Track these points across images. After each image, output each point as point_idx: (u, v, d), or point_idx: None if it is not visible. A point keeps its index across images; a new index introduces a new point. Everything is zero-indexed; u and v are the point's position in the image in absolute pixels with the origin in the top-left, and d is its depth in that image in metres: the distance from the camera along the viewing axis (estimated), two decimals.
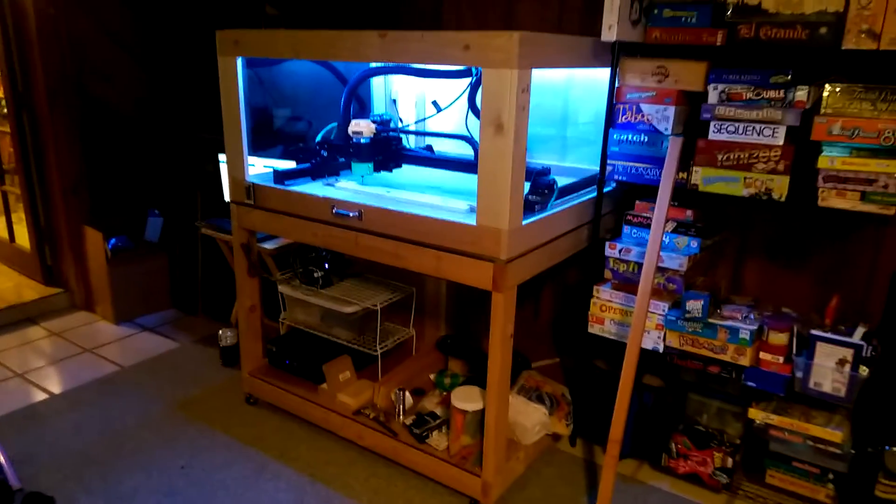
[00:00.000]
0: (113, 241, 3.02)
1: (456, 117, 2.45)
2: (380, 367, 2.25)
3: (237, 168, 2.15)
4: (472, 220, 1.66)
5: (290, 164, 2.40)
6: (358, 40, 1.72)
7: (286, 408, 2.28)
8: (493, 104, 1.54)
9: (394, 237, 1.82)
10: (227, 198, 2.57)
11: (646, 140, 1.85)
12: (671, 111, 1.80)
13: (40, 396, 2.47)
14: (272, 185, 2.09)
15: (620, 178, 1.91)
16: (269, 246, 2.49)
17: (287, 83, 2.81)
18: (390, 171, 2.25)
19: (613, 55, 1.84)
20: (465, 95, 2.16)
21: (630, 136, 1.87)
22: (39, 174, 3.15)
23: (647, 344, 1.89)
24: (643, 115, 1.85)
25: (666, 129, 1.82)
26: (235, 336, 2.66)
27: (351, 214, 1.88)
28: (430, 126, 2.57)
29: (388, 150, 2.22)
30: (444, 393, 2.18)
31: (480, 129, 1.57)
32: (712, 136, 1.74)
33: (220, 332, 2.69)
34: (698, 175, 1.78)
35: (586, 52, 1.80)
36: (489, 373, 1.73)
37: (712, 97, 1.74)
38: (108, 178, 3.18)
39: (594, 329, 2.02)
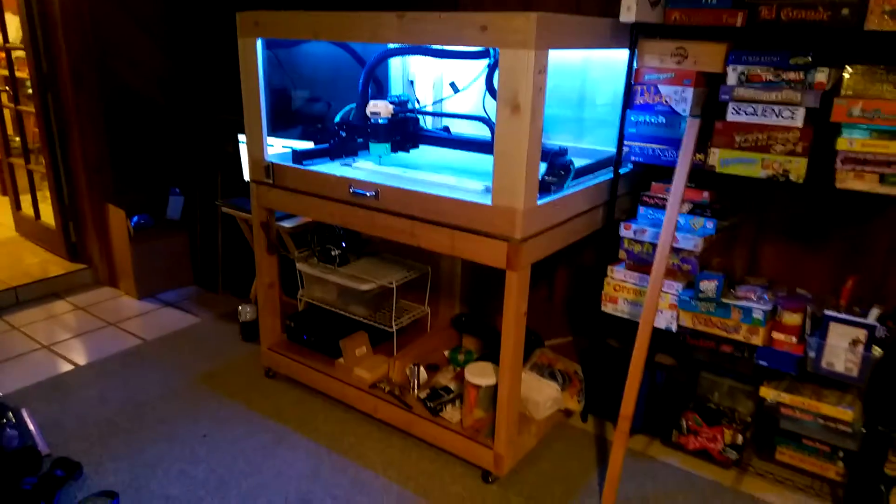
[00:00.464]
0: (135, 218, 3.09)
1: (474, 99, 2.46)
2: (395, 343, 2.29)
3: (257, 148, 2.18)
4: (487, 200, 1.69)
5: (308, 145, 2.44)
6: (376, 21, 1.74)
7: (304, 381, 2.33)
8: (509, 85, 1.55)
9: (409, 216, 1.85)
10: (246, 177, 2.61)
11: (663, 121, 1.85)
12: (689, 92, 1.80)
13: (66, 367, 2.55)
14: (291, 164, 2.12)
15: (637, 159, 1.92)
16: (287, 224, 2.53)
17: (306, 64, 2.83)
18: (407, 151, 2.27)
19: (632, 36, 1.84)
20: (483, 77, 2.17)
21: (647, 118, 1.87)
22: (63, 153, 3.22)
23: (661, 323, 1.91)
24: (661, 97, 1.85)
25: (684, 111, 1.82)
26: (255, 312, 2.72)
27: (368, 194, 1.91)
28: (448, 107, 2.58)
29: (405, 131, 2.24)
30: (458, 369, 2.22)
31: (497, 109, 1.59)
32: (730, 117, 1.74)
33: (240, 307, 2.75)
34: (716, 156, 1.78)
35: (604, 33, 1.80)
36: (502, 349, 1.76)
37: (731, 78, 1.73)
38: (130, 158, 3.24)
39: (607, 308, 2.04)
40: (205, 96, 3.23)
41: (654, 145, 1.88)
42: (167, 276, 3.27)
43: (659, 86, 1.85)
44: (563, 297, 2.58)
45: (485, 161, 2.21)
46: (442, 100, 2.56)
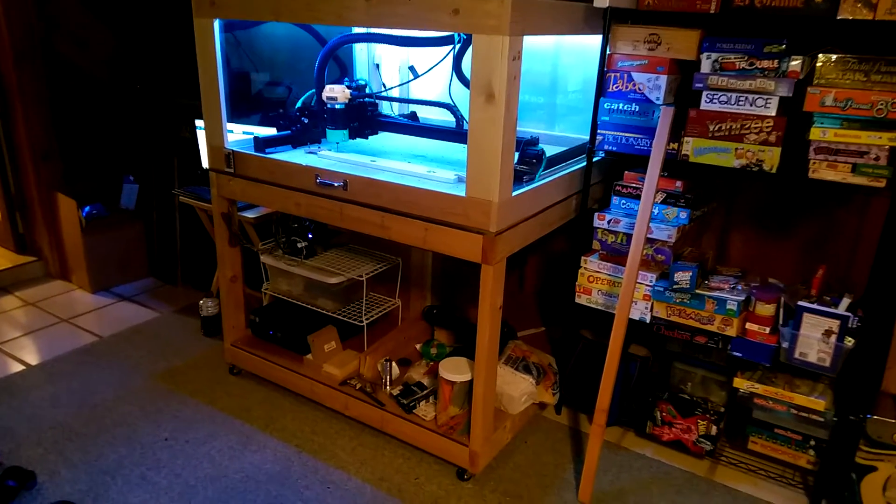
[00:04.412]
0: (87, 208, 2.94)
1: (442, 83, 2.40)
2: (366, 337, 2.23)
3: (216, 135, 2.08)
4: (460, 191, 1.63)
5: (270, 132, 2.34)
6: (342, 3, 1.66)
7: (271, 378, 2.26)
8: (483, 72, 1.49)
9: (380, 208, 1.78)
10: (205, 164, 2.50)
11: (637, 109, 1.82)
12: (663, 80, 1.77)
13: (16, 368, 2.41)
14: (253, 152, 2.03)
15: (611, 148, 1.88)
16: (250, 215, 2.44)
17: (267, 46, 2.72)
18: (366, 137, 2.19)
19: (605, 21, 1.79)
20: (450, 62, 2.11)
21: (621, 106, 1.84)
22: (8, 140, 3.03)
23: (634, 314, 1.89)
24: (634, 84, 1.81)
25: (658, 99, 1.79)
26: (217, 306, 2.62)
27: (336, 184, 1.83)
28: (414, 92, 2.51)
29: (363, 117, 2.16)
30: (431, 363, 2.17)
31: (470, 97, 1.53)
32: (704, 105, 1.71)
33: (201, 301, 2.64)
34: (689, 146, 1.76)
35: (578, 18, 1.75)
36: (478, 345, 1.72)
37: (705, 66, 1.70)
38: (80, 144, 3.08)
39: (581, 300, 2.01)
40: (159, 79, 3.07)
41: (627, 134, 1.85)
42: (122, 269, 3.13)
43: (632, 73, 1.81)
44: (534, 287, 2.55)
45: (455, 149, 2.16)
46: (400, 85, 2.48)
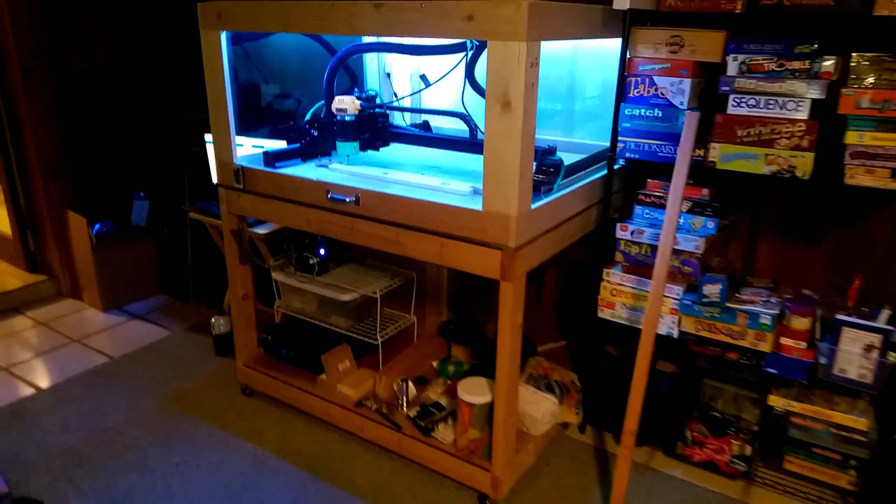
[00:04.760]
0: (97, 226, 2.90)
1: (455, 92, 2.33)
2: (381, 356, 2.16)
3: (224, 150, 2.02)
4: (477, 205, 1.56)
5: (280, 145, 2.29)
6: (351, 11, 1.59)
7: (284, 399, 2.19)
8: (499, 80, 1.42)
9: (393, 223, 1.72)
10: (215, 179, 2.45)
11: (660, 115, 1.74)
12: (687, 84, 1.69)
13: (27, 392, 2.37)
14: (262, 168, 1.97)
15: (633, 155, 1.80)
16: (261, 231, 2.38)
17: (277, 57, 2.67)
18: (377, 149, 2.12)
19: (625, 24, 1.72)
20: (463, 68, 2.04)
21: (643, 111, 1.76)
22: (18, 157, 3.01)
23: (661, 329, 1.81)
24: (657, 89, 1.74)
25: (682, 104, 1.71)
26: (229, 324, 2.57)
27: (347, 199, 1.77)
28: (426, 101, 2.45)
29: (374, 128, 2.10)
30: (449, 381, 2.10)
31: (486, 106, 1.46)
32: (731, 110, 1.64)
33: (213, 319, 2.59)
34: (716, 152, 1.68)
35: (596, 21, 1.68)
36: (498, 366, 1.65)
37: (731, 68, 1.63)
38: (90, 160, 3.05)
39: (604, 314, 1.93)
40: (168, 92, 3.04)
41: (650, 140, 1.77)
42: (134, 286, 3.09)
43: (654, 77, 1.74)
44: (552, 298, 2.47)
45: (466, 159, 2.09)
46: (412, 94, 2.42)
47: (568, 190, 1.74)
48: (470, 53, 1.91)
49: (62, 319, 2.94)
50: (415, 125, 2.43)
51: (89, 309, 3.05)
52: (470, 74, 2.02)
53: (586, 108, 2.14)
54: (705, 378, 1.96)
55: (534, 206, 1.58)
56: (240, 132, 2.10)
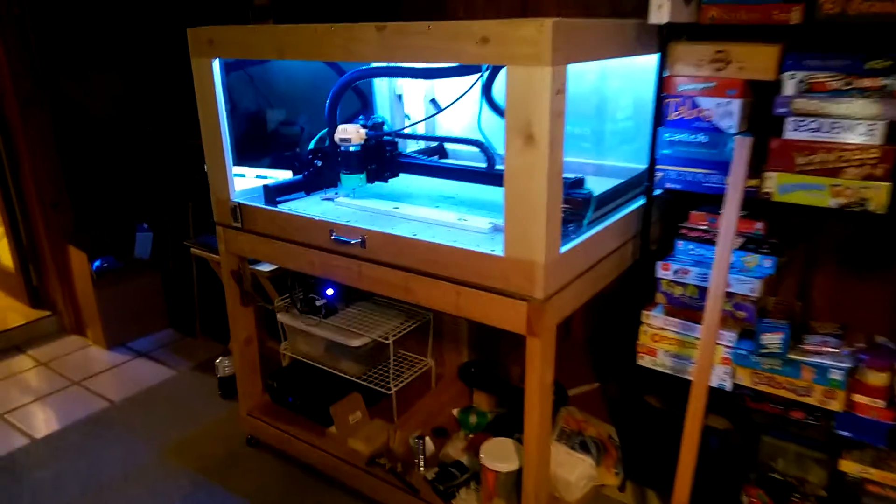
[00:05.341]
0: (98, 262, 2.76)
1: (470, 113, 2.14)
2: (395, 406, 1.97)
3: (221, 186, 1.86)
4: (497, 246, 1.37)
5: (286, 175, 2.13)
6: (351, 35, 1.42)
7: (291, 452, 2.01)
8: (520, 110, 1.23)
9: (403, 268, 1.53)
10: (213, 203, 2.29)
11: (705, 140, 1.53)
12: (736, 105, 1.48)
13: (20, 442, 2.22)
14: (262, 205, 1.80)
15: (674, 186, 1.60)
16: (265, 268, 2.21)
17: (284, 80, 2.51)
18: (385, 181, 1.94)
19: (661, 40, 1.52)
20: (478, 90, 1.86)
21: (685, 136, 1.55)
22: (17, 189, 2.88)
23: (712, 381, 1.59)
24: (700, 111, 1.53)
25: (730, 127, 1.50)
26: (234, 365, 2.40)
27: (352, 241, 1.59)
28: (440, 125, 2.26)
29: (381, 158, 1.91)
30: (471, 435, 1.90)
31: (506, 140, 1.27)
32: (789, 134, 1.42)
33: (218, 361, 2.42)
34: (773, 182, 1.46)
35: (629, 37, 1.48)
36: (526, 430, 1.44)
37: (789, 88, 1.41)
38: (91, 192, 2.92)
39: (644, 361, 1.72)
40: (170, 120, 2.90)
41: (694, 170, 1.56)
42: (139, 322, 2.95)
43: (697, 98, 1.53)
44: (583, 334, 2.27)
45: (484, 189, 1.88)
46: (422, 121, 2.23)
47: (601, 226, 1.54)
48: (485, 74, 1.73)
49: (64, 359, 2.81)
50: (427, 149, 2.25)
51: (93, 347, 2.90)
52: (487, 94, 1.84)
53: (614, 128, 1.94)
54: (763, 434, 1.73)
55: (563, 248, 1.38)
56: (242, 162, 1.94)
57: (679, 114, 1.56)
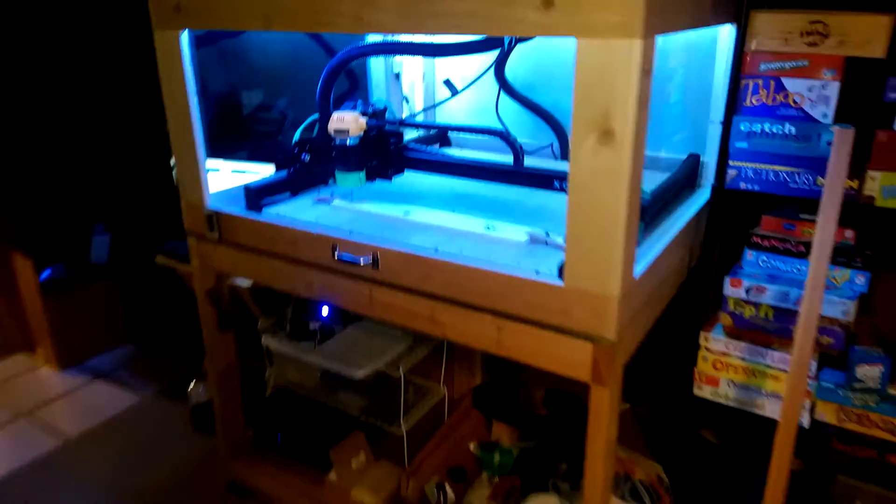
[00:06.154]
0: (47, 272, 2.39)
1: (481, 96, 1.84)
2: (406, 448, 1.68)
3: (192, 188, 1.53)
4: (541, 265, 1.10)
5: (265, 168, 1.80)
6: (362, 0, 1.10)
7: (282, 502, 1.71)
8: (595, 98, 0.93)
9: (427, 294, 1.23)
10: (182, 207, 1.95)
11: (792, 132, 1.26)
12: (834, 89, 1.22)
13: None
14: (244, 213, 1.48)
15: (751, 186, 1.33)
16: (245, 281, 1.88)
17: (253, 55, 2.17)
18: (389, 179, 1.62)
19: (742, 7, 1.24)
20: (492, 72, 1.57)
21: (767, 127, 1.28)
22: None
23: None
24: (787, 95, 1.26)
25: (825, 116, 1.23)
26: (208, 391, 2.08)
27: (361, 261, 1.28)
28: (447, 112, 1.96)
29: (384, 152, 1.59)
30: (496, 478, 1.63)
31: (573, 137, 0.97)
32: None
33: (191, 388, 2.10)
34: (875, 184, 1.20)
35: (706, 4, 1.19)
36: (588, 496, 1.17)
37: None
38: (36, 189, 2.53)
39: (703, 392, 1.46)
40: (127, 104, 2.53)
41: (777, 167, 1.29)
42: (95, 338, 2.59)
43: (783, 79, 1.25)
44: None
45: (512, 190, 1.59)
46: (434, 106, 1.93)
47: (668, 237, 1.26)
48: (506, 48, 1.43)
49: (9, 384, 2.44)
50: (425, 139, 1.94)
51: (43, 368, 2.54)
52: (500, 74, 1.56)
53: (661, 117, 1.65)
54: (840, 474, 1.49)
55: (637, 272, 1.09)
56: (214, 153, 1.61)
57: (759, 98, 1.28)
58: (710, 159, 1.49)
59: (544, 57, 1.74)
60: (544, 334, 1.11)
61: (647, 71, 0.92)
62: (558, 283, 1.06)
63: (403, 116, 1.96)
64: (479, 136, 1.81)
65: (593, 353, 1.07)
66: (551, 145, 1.82)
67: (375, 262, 1.27)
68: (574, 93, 0.95)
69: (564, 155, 1.82)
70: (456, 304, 1.20)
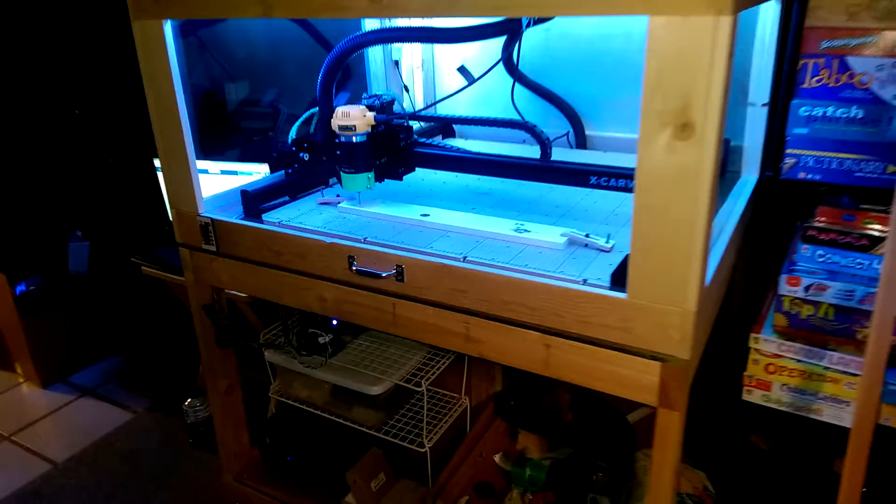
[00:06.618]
0: (21, 286, 2.21)
1: (491, 86, 1.70)
2: (430, 465, 1.55)
3: (183, 195, 1.37)
4: (588, 271, 0.98)
5: (258, 168, 1.65)
6: None
7: None
8: (673, 86, 0.80)
9: (461, 309, 1.10)
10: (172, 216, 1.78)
11: (859, 115, 1.14)
12: None
13: None
14: (243, 221, 1.32)
15: (811, 176, 1.21)
16: (244, 292, 1.73)
17: (238, 46, 2.01)
18: (400, 178, 1.47)
19: None
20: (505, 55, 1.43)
21: (830, 111, 1.16)
22: None
23: (843, 419, 1.24)
24: (853, 75, 1.13)
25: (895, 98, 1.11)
26: (207, 407, 1.93)
27: (383, 274, 1.14)
28: (452, 102, 1.81)
29: (394, 149, 1.44)
30: (529, 495, 1.51)
31: (641, 130, 0.84)
32: None
33: (186, 404, 1.95)
34: None
35: None
36: None
37: None
38: (5, 195, 2.33)
39: (753, 397, 1.35)
40: (103, 100, 2.33)
41: (843, 154, 1.17)
42: (79, 351, 2.42)
43: (848, 58, 1.13)
44: None
45: (533, 185, 1.45)
46: (450, 96, 1.77)
47: (728, 235, 1.14)
48: (521, 31, 1.29)
49: None
50: (427, 130, 1.79)
51: (24, 386, 2.37)
52: (509, 62, 1.42)
53: None
54: None
55: (707, 280, 0.97)
56: (201, 153, 1.45)
57: (820, 79, 1.16)
58: (751, 145, 1.37)
59: (554, 39, 1.61)
60: (601, 353, 0.99)
61: (731, 52, 0.79)
62: (619, 295, 0.94)
63: (404, 107, 1.81)
64: (486, 126, 1.67)
65: (661, 373, 0.95)
66: (566, 134, 1.70)
67: (400, 275, 1.13)
68: (644, 81, 0.81)
69: (580, 143, 1.70)
70: (494, 320, 1.07)
